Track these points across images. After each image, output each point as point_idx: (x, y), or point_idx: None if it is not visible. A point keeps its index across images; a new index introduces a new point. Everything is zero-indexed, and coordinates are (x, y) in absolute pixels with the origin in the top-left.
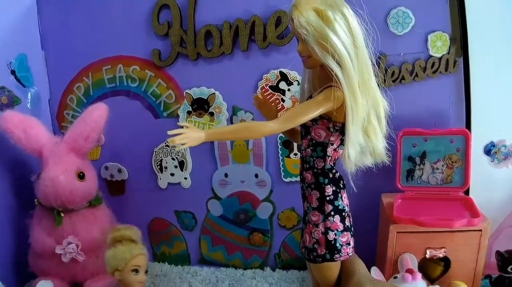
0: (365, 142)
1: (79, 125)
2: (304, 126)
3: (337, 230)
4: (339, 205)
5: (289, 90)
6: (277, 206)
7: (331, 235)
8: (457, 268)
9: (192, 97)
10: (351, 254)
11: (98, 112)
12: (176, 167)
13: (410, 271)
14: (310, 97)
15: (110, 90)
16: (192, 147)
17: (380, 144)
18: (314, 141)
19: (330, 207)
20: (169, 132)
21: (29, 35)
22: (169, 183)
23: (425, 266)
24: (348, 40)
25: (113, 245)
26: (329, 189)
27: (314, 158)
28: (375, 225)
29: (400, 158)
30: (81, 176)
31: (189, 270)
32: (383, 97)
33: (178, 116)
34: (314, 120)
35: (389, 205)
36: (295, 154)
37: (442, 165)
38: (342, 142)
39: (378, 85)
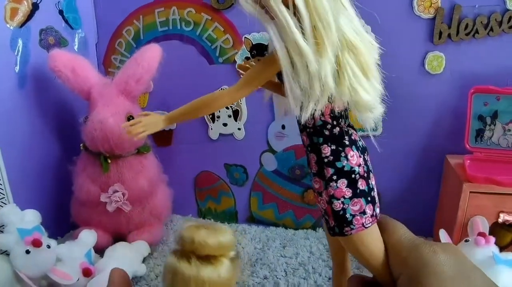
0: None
1: (130, 66)
2: (281, 82)
3: (344, 197)
4: (343, 166)
5: None
6: None
7: (336, 205)
8: None
9: (251, 42)
10: (368, 224)
11: (151, 53)
12: (229, 116)
13: (482, 234)
14: None
15: (162, 34)
16: (249, 96)
17: (363, 96)
18: None
19: (330, 170)
20: (123, 125)
21: None
22: (220, 134)
23: (494, 232)
24: None
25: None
26: (327, 149)
27: None
28: (435, 189)
29: (470, 117)
30: (130, 120)
31: (237, 228)
32: (371, 43)
33: (235, 62)
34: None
35: (458, 166)
36: None
37: None
38: None
39: (450, 37)
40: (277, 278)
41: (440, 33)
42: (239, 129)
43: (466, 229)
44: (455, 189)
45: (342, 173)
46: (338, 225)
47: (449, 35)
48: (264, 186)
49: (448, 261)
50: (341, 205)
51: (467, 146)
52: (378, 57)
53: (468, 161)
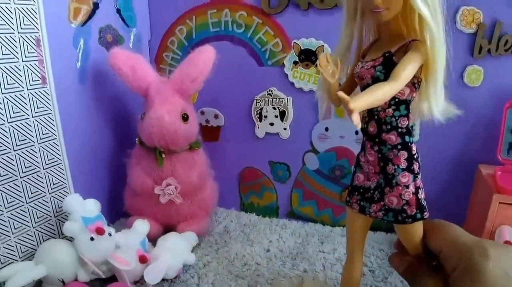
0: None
1: (186, 66)
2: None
3: (421, 188)
4: (419, 162)
5: None
6: None
7: (420, 194)
8: None
9: (300, 48)
10: None
11: (207, 54)
12: (276, 117)
13: (508, 243)
14: (364, 55)
15: (214, 34)
16: (295, 98)
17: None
18: (397, 100)
19: (417, 165)
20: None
21: None
22: (266, 133)
23: None
24: None
25: None
26: (414, 147)
27: (397, 118)
28: (466, 197)
29: (504, 130)
30: (185, 118)
31: (278, 223)
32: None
33: (283, 65)
34: None
35: (489, 176)
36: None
37: None
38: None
39: (490, 52)
40: (316, 271)
41: (481, 48)
42: (284, 129)
43: (493, 238)
44: (485, 199)
45: (419, 168)
46: (420, 211)
47: (488, 50)
48: (306, 184)
49: (495, 270)
50: (421, 195)
51: (500, 157)
52: None
53: (499, 173)
